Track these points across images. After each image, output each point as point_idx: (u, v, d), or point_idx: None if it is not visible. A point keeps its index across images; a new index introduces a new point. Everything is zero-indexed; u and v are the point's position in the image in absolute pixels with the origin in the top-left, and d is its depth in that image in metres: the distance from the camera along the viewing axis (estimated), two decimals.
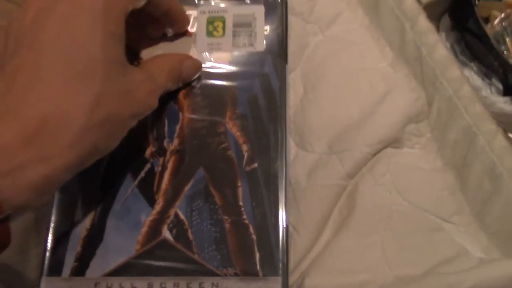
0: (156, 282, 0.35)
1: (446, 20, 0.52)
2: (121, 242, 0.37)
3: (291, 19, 0.45)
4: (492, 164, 0.37)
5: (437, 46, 0.41)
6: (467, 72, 0.50)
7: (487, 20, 0.52)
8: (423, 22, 0.42)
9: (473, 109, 0.39)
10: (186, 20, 0.41)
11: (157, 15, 0.38)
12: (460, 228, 0.38)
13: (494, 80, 0.49)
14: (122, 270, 0.36)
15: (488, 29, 0.50)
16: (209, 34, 0.42)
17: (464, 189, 0.39)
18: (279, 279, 0.35)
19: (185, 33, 0.42)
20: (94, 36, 0.31)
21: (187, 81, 0.40)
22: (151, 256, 0.36)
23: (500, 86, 0.48)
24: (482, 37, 0.45)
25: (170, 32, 0.41)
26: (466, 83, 0.40)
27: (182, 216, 0.37)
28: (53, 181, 0.29)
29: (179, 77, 0.39)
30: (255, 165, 0.38)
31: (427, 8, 0.55)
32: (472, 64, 0.49)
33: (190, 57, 0.40)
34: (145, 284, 0.35)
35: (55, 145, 0.29)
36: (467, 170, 0.39)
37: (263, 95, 0.40)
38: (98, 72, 0.30)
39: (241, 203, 0.37)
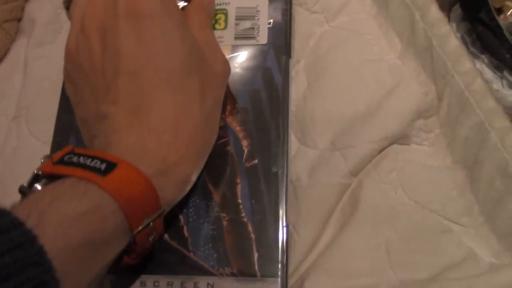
0: (149, 280, 0.34)
1: (457, 10, 0.51)
2: None
3: (295, 8, 0.43)
4: (504, 162, 0.36)
5: (449, 37, 0.39)
6: (478, 65, 0.49)
7: (499, 11, 0.50)
8: (435, 12, 0.40)
9: (486, 105, 0.37)
10: None
11: None
12: (470, 230, 0.36)
13: (505, 73, 0.47)
14: (113, 267, 0.34)
15: (500, 20, 0.48)
16: None
17: (474, 189, 0.37)
18: (278, 280, 0.34)
19: None
20: (169, 37, 0.32)
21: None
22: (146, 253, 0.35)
23: None
24: (495, 28, 0.43)
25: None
26: (479, 77, 0.38)
27: (177, 212, 0.36)
28: (192, 178, 0.33)
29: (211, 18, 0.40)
30: (255, 161, 0.37)
31: None
32: (483, 56, 0.47)
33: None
34: (138, 282, 0.34)
35: (191, 143, 0.32)
36: (478, 169, 0.37)
37: (265, 89, 0.39)
38: (190, 66, 0.32)
39: (240, 201, 0.36)
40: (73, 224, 0.25)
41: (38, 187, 0.28)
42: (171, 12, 0.33)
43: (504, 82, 0.46)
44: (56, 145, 0.39)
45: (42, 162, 0.30)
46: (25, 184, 0.29)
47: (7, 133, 0.42)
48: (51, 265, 0.23)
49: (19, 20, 0.47)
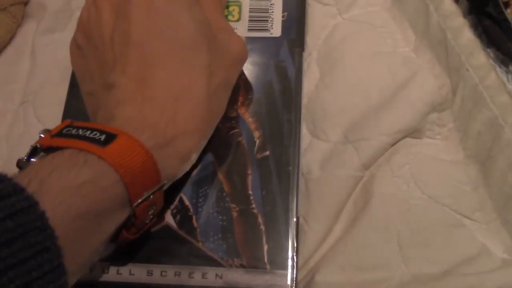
0: (156, 270, 0.34)
1: (463, 3, 0.50)
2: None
3: (308, 2, 0.42)
4: None
5: (463, 30, 0.39)
6: None
7: (507, 4, 0.49)
8: (449, 4, 0.39)
9: (500, 100, 0.37)
10: None
11: None
12: (482, 225, 0.36)
13: (511, 68, 0.46)
14: (120, 255, 0.34)
15: (508, 14, 0.47)
16: None
17: (487, 184, 0.37)
18: (288, 273, 0.33)
19: None
20: (180, 10, 0.32)
21: None
22: (152, 242, 0.34)
23: None
24: (502, 22, 0.43)
25: None
26: (493, 71, 0.38)
27: (187, 202, 0.35)
28: (194, 152, 0.32)
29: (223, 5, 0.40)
30: (267, 152, 0.37)
31: None
32: (489, 50, 0.47)
33: None
34: (144, 271, 0.34)
35: (192, 119, 0.31)
36: (491, 164, 0.36)
37: (278, 82, 0.39)
38: (199, 42, 0.32)
39: (250, 192, 0.36)
40: (73, 193, 0.25)
41: (35, 160, 0.28)
42: None
43: (510, 76, 0.46)
44: None
45: (40, 136, 0.29)
46: (23, 158, 0.29)
47: (13, 119, 0.42)
48: (53, 231, 0.23)
49: (25, 4, 0.46)
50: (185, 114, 0.31)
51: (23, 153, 0.40)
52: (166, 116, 0.31)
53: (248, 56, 0.36)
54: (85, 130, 0.28)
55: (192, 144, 0.32)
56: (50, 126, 0.40)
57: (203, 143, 0.34)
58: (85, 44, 0.34)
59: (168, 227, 0.35)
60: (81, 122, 0.29)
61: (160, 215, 0.35)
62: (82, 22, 0.35)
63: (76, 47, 0.35)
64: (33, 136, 0.40)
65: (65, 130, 0.28)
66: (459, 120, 0.38)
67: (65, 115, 0.39)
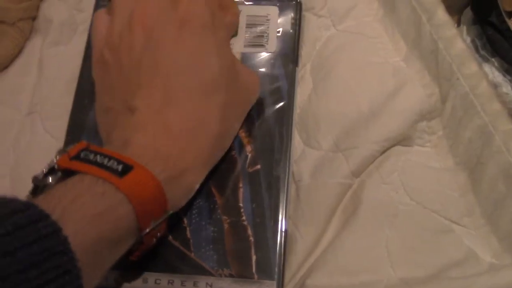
0: (151, 277, 0.35)
1: (468, 13, 0.51)
2: None
3: (303, 14, 0.43)
4: (508, 165, 0.36)
5: (455, 40, 0.39)
6: (488, 68, 0.49)
7: (510, 14, 0.50)
8: (442, 15, 0.40)
9: (490, 107, 0.37)
10: (235, 7, 0.41)
11: None
12: (471, 231, 0.36)
13: None
14: (116, 264, 0.35)
15: (511, 23, 0.48)
16: None
17: (476, 190, 0.37)
18: (274, 283, 0.35)
19: None
20: (209, 51, 0.34)
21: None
22: (148, 251, 0.36)
23: None
24: (505, 31, 0.43)
25: None
26: (484, 80, 0.38)
27: (181, 214, 0.37)
28: (197, 185, 0.34)
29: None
30: (258, 166, 0.38)
31: (448, 0, 0.53)
32: (493, 59, 0.47)
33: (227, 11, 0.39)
34: (140, 279, 0.35)
35: (201, 155, 0.33)
36: (481, 171, 0.37)
37: (270, 97, 0.40)
38: (220, 84, 0.34)
39: (241, 204, 0.37)
40: (91, 221, 0.27)
41: (50, 179, 0.30)
42: (218, 30, 0.35)
43: None
44: (68, 143, 0.40)
45: (56, 156, 0.31)
46: (39, 176, 0.30)
47: (20, 128, 0.43)
48: (74, 255, 0.25)
49: (33, 19, 0.48)
50: (196, 150, 0.33)
51: (29, 161, 0.42)
52: (178, 149, 0.32)
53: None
54: (103, 156, 0.29)
55: (199, 178, 0.34)
56: (56, 135, 0.42)
57: (206, 174, 0.35)
58: (112, 60, 0.35)
59: (163, 238, 0.36)
60: (97, 147, 0.31)
61: None
62: (112, 38, 0.35)
63: (103, 60, 0.36)
64: (39, 145, 0.42)
65: (82, 153, 0.30)
66: (448, 128, 0.39)
67: (69, 128, 0.41)
